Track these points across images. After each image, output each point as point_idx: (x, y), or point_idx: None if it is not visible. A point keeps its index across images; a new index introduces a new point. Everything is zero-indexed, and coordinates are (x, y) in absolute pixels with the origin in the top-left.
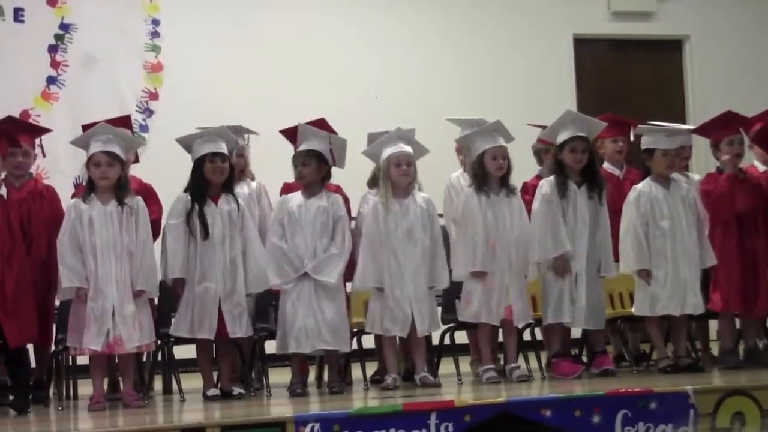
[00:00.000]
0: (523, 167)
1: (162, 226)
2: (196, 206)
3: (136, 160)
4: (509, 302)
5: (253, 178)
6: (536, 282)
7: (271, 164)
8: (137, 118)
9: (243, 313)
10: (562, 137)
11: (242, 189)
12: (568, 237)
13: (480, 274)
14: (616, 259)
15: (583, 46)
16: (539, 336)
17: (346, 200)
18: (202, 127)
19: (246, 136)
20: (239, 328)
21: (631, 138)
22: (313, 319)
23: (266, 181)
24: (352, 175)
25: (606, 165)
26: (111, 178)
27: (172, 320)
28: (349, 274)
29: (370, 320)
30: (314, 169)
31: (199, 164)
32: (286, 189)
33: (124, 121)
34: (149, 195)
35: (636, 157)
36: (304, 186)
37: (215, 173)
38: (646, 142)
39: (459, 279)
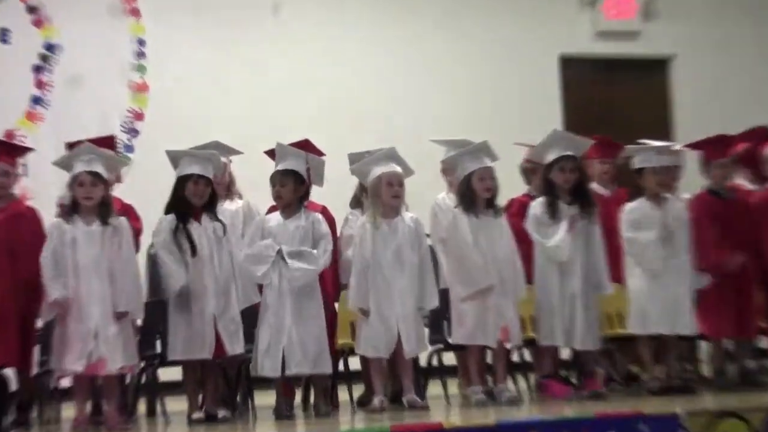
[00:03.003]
0: (511, 186)
1: (143, 245)
2: (181, 225)
3: (119, 180)
4: (504, 323)
5: (240, 197)
6: (526, 302)
7: (259, 186)
8: (122, 138)
9: (238, 329)
10: (550, 157)
11: (229, 206)
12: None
13: (485, 291)
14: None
15: (570, 65)
16: (528, 357)
17: (332, 222)
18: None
19: (228, 157)
20: (237, 345)
21: (627, 161)
22: (292, 343)
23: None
24: (333, 195)
25: (594, 185)
26: (95, 198)
27: (157, 342)
28: (336, 293)
29: (359, 341)
30: (291, 189)
31: (182, 182)
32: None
33: (107, 142)
34: (128, 214)
35: (625, 178)
36: (282, 206)
37: (195, 196)
38: (636, 162)
39: (462, 299)
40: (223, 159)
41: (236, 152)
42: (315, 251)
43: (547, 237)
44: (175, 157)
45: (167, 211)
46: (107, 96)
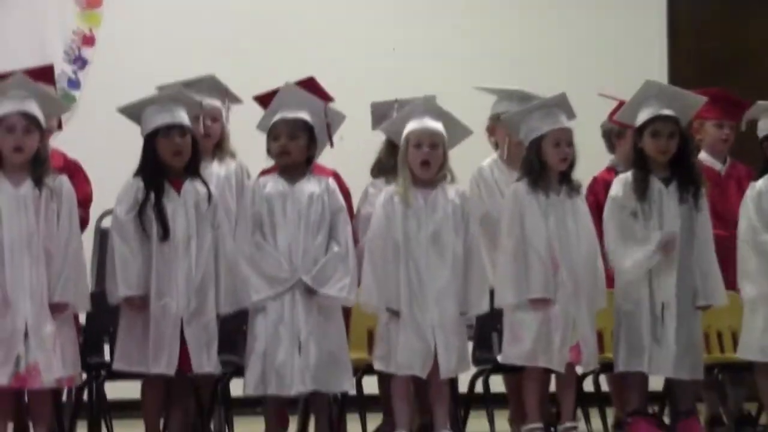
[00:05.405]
0: (587, 156)
1: (93, 216)
2: (152, 196)
3: (59, 128)
4: (576, 340)
5: (233, 156)
6: (607, 313)
7: (252, 143)
8: (65, 70)
9: (212, 340)
10: (642, 117)
11: (218, 169)
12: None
13: (540, 303)
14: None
15: None
16: (605, 386)
17: (347, 193)
18: (161, 87)
19: (225, 101)
20: (207, 361)
21: (743, 126)
22: (302, 349)
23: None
24: (351, 159)
25: (703, 155)
26: (27, 150)
27: (105, 346)
28: None
29: (378, 354)
30: (304, 145)
31: (150, 141)
32: None
33: (43, 74)
34: (74, 174)
35: (744, 149)
36: (283, 167)
37: (173, 154)
38: (765, 127)
39: (506, 306)
40: (215, 102)
41: (236, 99)
42: (337, 248)
43: (629, 237)
44: (133, 112)
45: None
46: (46, 12)
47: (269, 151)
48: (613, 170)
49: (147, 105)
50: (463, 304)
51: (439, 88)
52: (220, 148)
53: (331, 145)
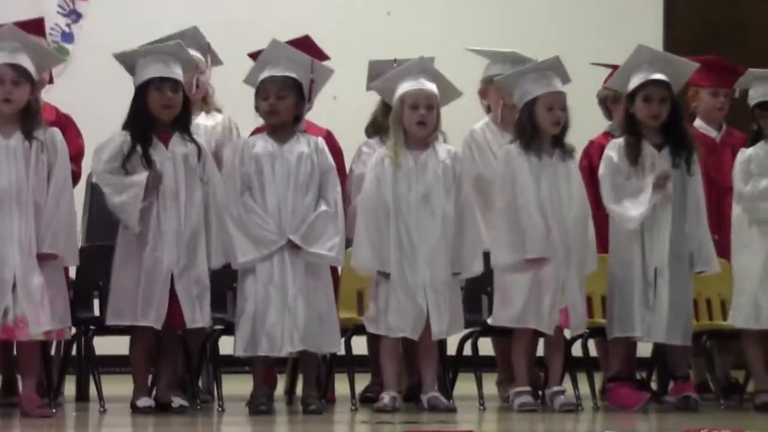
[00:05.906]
0: (583, 122)
1: (85, 170)
2: (139, 148)
3: (51, 81)
4: (565, 303)
5: (220, 111)
6: (597, 277)
7: (241, 102)
8: (59, 22)
9: (204, 294)
10: (634, 82)
11: (204, 121)
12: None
13: (535, 263)
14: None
15: None
16: (594, 351)
17: (339, 152)
18: (150, 43)
19: (208, 55)
20: (199, 315)
21: (736, 93)
22: (290, 309)
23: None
24: (346, 118)
25: (698, 123)
26: (16, 102)
27: (95, 301)
28: None
29: (369, 315)
30: (292, 103)
31: (141, 92)
32: None
33: (34, 26)
34: (66, 128)
35: (739, 116)
36: (272, 127)
37: (163, 107)
38: (759, 94)
39: (501, 268)
40: (198, 55)
41: (217, 61)
42: (326, 207)
43: (623, 194)
44: (127, 61)
45: (125, 129)
46: None
47: (258, 110)
48: (609, 135)
49: (144, 55)
50: (456, 265)
51: (434, 50)
52: (205, 103)
53: (307, 101)
